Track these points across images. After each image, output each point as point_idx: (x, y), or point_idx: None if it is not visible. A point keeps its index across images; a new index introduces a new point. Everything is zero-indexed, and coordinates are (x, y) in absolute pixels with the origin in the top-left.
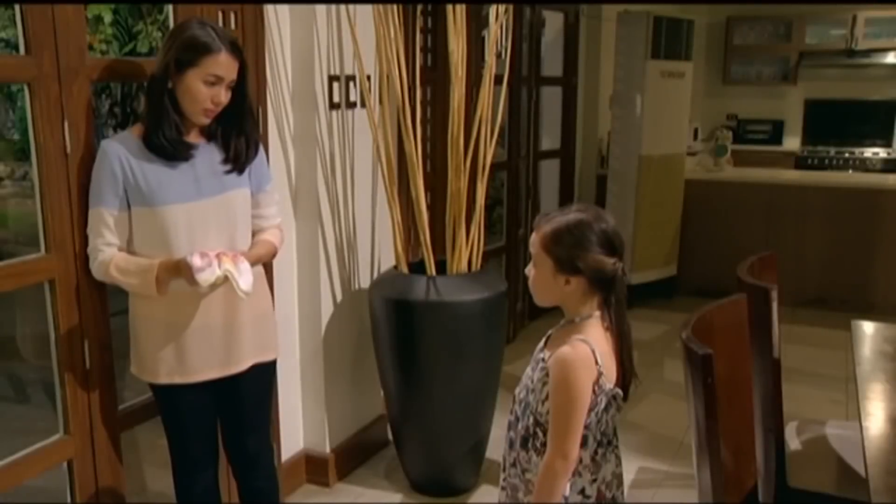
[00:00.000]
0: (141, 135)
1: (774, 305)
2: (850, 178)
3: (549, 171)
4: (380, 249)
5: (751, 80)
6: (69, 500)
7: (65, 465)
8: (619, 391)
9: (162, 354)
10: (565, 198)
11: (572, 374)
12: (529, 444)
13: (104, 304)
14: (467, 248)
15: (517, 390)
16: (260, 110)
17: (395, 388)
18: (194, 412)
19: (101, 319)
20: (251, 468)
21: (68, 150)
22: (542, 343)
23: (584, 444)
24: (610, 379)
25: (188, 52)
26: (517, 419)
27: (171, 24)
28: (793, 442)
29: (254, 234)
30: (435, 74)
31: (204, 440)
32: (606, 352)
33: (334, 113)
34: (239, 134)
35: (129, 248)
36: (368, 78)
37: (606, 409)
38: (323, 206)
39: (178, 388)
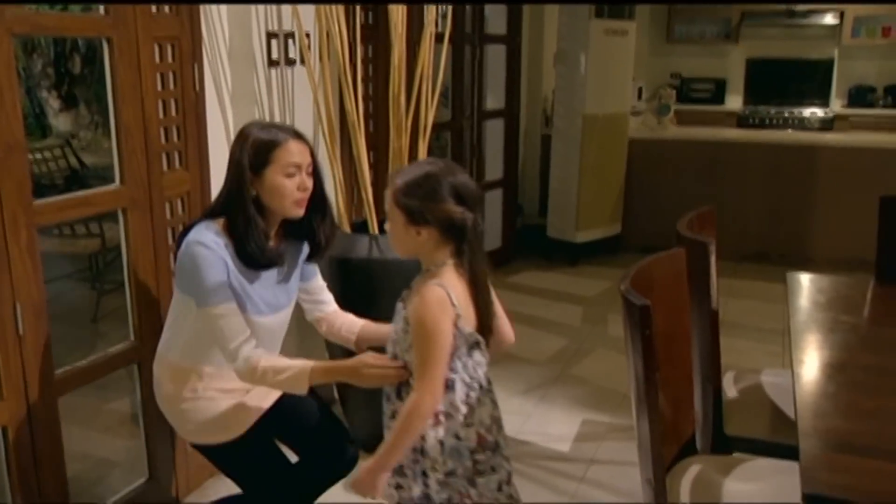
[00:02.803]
0: (226, 239)
1: (712, 259)
2: (790, 136)
3: (494, 131)
4: None
5: (694, 39)
6: (5, 466)
7: None
8: (479, 337)
9: (232, 409)
10: (510, 157)
11: (429, 313)
12: (403, 394)
13: (36, 267)
14: None
15: (387, 346)
16: (196, 67)
17: (339, 346)
18: (270, 441)
19: (33, 283)
20: (337, 454)
21: None
22: (402, 295)
23: (452, 388)
24: (469, 323)
25: (260, 153)
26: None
27: None
28: (730, 391)
29: (319, 319)
30: (376, 32)
31: (282, 460)
32: (463, 297)
33: (273, 70)
34: (324, 217)
35: (176, 340)
36: (308, 35)
37: (470, 353)
38: None
39: (257, 426)
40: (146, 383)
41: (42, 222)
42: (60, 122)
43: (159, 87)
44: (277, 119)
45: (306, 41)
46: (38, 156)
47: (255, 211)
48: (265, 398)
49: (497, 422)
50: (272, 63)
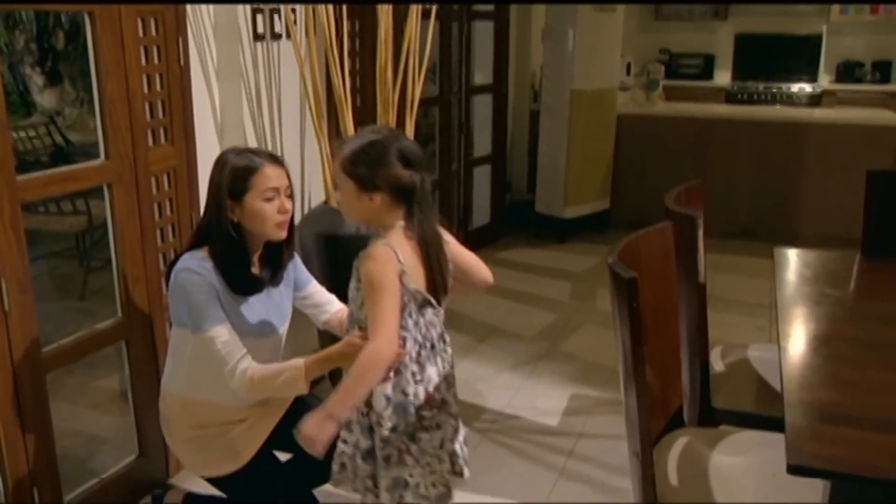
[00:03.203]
0: (212, 264)
1: (700, 233)
2: (778, 112)
3: (482, 107)
4: (309, 184)
5: (682, 15)
6: None
7: None
8: (428, 295)
9: (239, 437)
10: (498, 133)
11: (375, 266)
12: None
13: (20, 243)
14: None
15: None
16: (181, 41)
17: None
18: (274, 459)
19: (18, 258)
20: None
21: None
22: (359, 255)
23: (402, 345)
24: (417, 282)
25: (237, 180)
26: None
27: None
28: (717, 365)
29: (327, 321)
30: (363, 6)
31: (285, 473)
32: (410, 256)
33: (259, 45)
34: (291, 238)
35: (178, 374)
36: (293, 9)
37: (422, 312)
38: (250, 141)
39: (262, 448)
40: (134, 360)
41: (26, 198)
42: (45, 98)
43: (143, 62)
44: (264, 95)
45: (292, 16)
46: (23, 133)
47: (237, 237)
48: (270, 420)
49: (447, 380)
50: (258, 37)
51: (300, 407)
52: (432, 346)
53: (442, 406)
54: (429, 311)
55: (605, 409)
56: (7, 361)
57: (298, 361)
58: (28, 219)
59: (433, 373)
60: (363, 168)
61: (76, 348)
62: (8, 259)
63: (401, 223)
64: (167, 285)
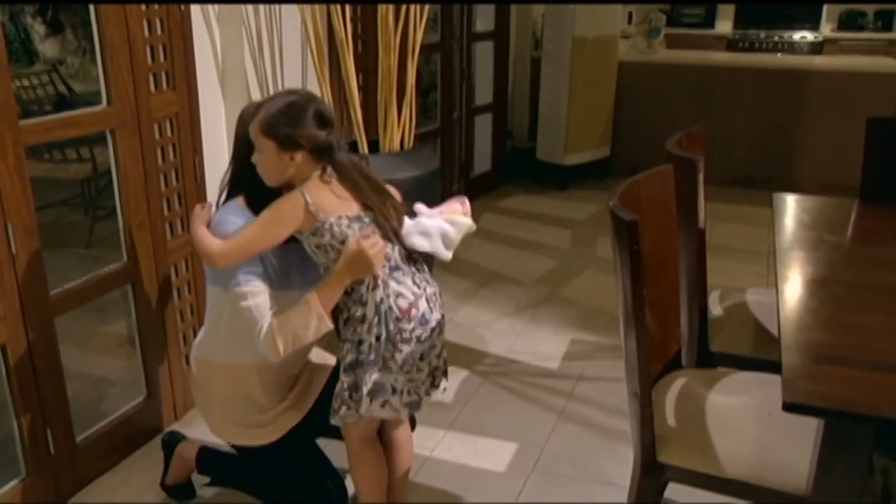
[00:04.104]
0: (250, 213)
1: (700, 177)
2: (779, 60)
3: (484, 54)
4: None
5: None
6: (6, 384)
7: None
8: (362, 214)
9: (278, 413)
10: (500, 81)
11: (277, 203)
12: (350, 303)
13: (25, 187)
14: (399, 127)
15: None
16: None
17: None
18: (305, 439)
19: (23, 203)
20: None
21: None
22: None
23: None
24: (344, 212)
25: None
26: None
27: None
28: (715, 309)
29: None
30: None
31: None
32: (329, 196)
33: None
34: None
35: (216, 339)
36: None
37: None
38: (252, 87)
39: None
40: (140, 303)
41: (29, 142)
42: (47, 48)
43: (143, 6)
44: (265, 40)
45: None
46: (26, 82)
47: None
48: (306, 401)
49: (428, 299)
50: None
51: (332, 391)
52: (397, 267)
53: (422, 321)
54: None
55: (605, 353)
56: (16, 305)
57: (308, 294)
58: (33, 166)
59: (403, 290)
60: (283, 128)
61: (83, 291)
62: (13, 203)
63: (316, 173)
64: None
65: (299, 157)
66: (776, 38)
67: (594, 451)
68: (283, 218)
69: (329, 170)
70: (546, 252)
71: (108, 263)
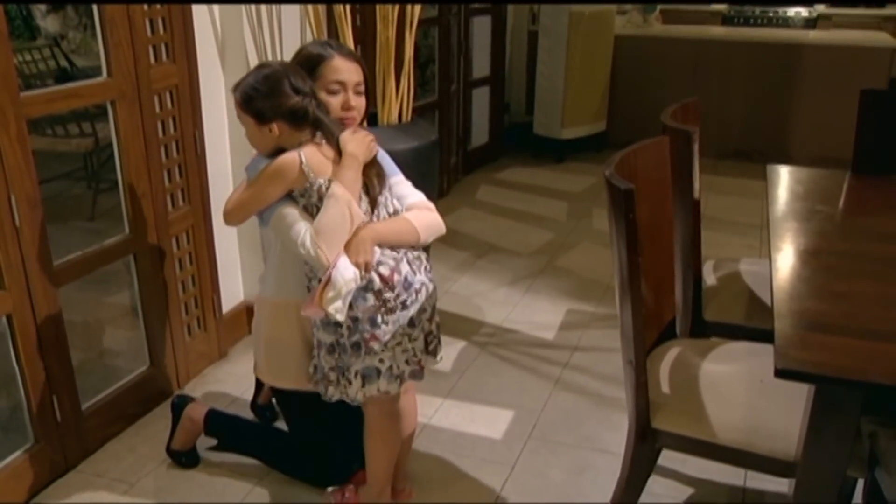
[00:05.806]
0: None
1: (696, 147)
2: (773, 34)
3: (482, 28)
4: None
5: None
6: (13, 353)
7: (4, 319)
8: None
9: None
10: (497, 55)
11: (276, 160)
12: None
13: (28, 159)
14: (397, 99)
15: None
16: None
17: None
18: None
19: (26, 175)
20: None
21: None
22: None
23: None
24: (332, 174)
25: (304, 67)
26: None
27: None
28: (709, 278)
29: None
30: None
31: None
32: (320, 157)
33: None
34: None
35: (270, 277)
36: None
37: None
38: (251, 59)
39: None
40: (142, 273)
41: (31, 114)
42: (49, 23)
43: None
44: (264, 12)
45: None
46: (28, 56)
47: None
48: None
49: (402, 261)
50: None
51: None
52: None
53: (406, 285)
54: (363, 202)
55: (600, 323)
56: (21, 275)
57: (329, 193)
58: (36, 141)
59: (382, 258)
60: (258, 102)
61: (87, 262)
62: (16, 175)
63: (307, 137)
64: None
65: (276, 127)
66: (770, 14)
67: (589, 419)
68: (279, 175)
69: (318, 134)
70: (543, 224)
71: (111, 236)
